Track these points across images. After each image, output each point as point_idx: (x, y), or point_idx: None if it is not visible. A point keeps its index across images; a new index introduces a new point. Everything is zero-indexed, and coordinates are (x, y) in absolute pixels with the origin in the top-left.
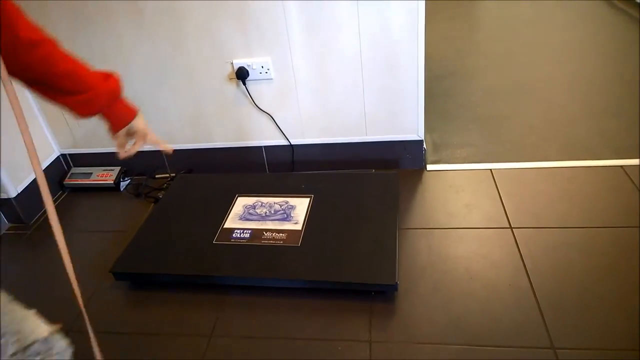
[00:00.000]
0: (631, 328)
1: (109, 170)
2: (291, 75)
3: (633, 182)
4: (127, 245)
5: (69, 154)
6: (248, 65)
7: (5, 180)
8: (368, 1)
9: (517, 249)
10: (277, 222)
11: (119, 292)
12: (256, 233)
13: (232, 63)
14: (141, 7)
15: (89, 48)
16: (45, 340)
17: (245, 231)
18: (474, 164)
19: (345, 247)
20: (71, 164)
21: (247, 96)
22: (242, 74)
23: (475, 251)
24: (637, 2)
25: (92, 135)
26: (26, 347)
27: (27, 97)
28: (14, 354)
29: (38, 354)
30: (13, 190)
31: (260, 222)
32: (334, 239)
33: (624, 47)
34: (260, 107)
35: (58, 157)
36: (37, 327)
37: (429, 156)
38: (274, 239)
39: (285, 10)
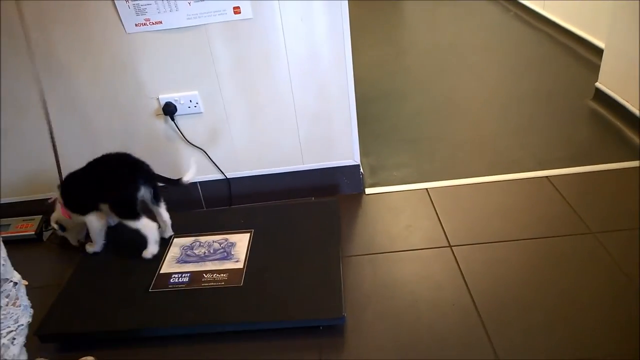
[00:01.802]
0: (572, 338)
1: (29, 220)
2: (221, 108)
3: (559, 192)
4: (53, 302)
5: None
6: (175, 100)
7: None
8: (294, 29)
9: (457, 267)
10: (217, 262)
11: (45, 356)
12: (195, 276)
13: (157, 99)
14: (52, 44)
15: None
16: (16, 285)
17: (183, 275)
18: (410, 185)
19: (289, 283)
20: None
21: (177, 132)
22: (169, 110)
23: (418, 273)
24: (548, 19)
25: (8, 183)
26: (1, 281)
27: None
28: None
29: (7, 296)
30: None
31: (200, 263)
32: (277, 275)
33: (538, 64)
34: (191, 142)
35: None
36: (12, 270)
37: (367, 179)
38: (214, 280)
39: (210, 42)
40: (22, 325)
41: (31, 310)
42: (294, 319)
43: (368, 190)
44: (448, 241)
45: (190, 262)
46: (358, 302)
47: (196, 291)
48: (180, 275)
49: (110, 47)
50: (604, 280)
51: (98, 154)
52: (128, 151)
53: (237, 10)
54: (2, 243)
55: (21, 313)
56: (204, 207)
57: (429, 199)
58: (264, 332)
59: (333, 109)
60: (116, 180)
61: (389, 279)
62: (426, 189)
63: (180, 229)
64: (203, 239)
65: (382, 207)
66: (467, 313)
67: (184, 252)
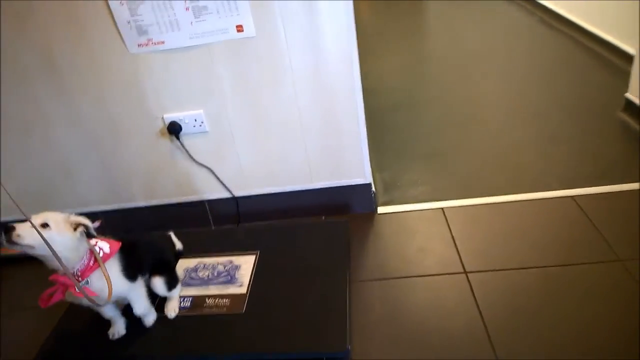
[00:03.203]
0: None
1: None
2: (227, 126)
3: (585, 213)
4: (54, 328)
5: None
6: (180, 120)
7: None
8: (299, 45)
9: (472, 296)
10: (220, 285)
11: None
12: (197, 301)
13: (162, 118)
14: (57, 66)
15: (4, 115)
16: None
17: (185, 299)
18: (425, 204)
19: (293, 311)
20: None
21: (183, 151)
22: (174, 129)
23: (431, 301)
24: (574, 23)
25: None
26: None
27: None
28: None
29: None
30: None
31: (202, 287)
32: (280, 303)
33: (563, 71)
34: (198, 161)
35: None
36: None
37: (380, 197)
38: (216, 306)
39: (214, 61)
40: None
41: None
42: (296, 350)
43: (380, 209)
44: (463, 267)
45: (193, 286)
46: (366, 328)
47: (197, 318)
48: (182, 299)
49: (114, 68)
50: (631, 315)
51: (105, 171)
52: (135, 169)
53: (240, 28)
54: None
55: None
56: (212, 225)
57: (444, 220)
58: None
59: (342, 126)
60: (165, 251)
61: (399, 306)
62: (442, 208)
63: (185, 250)
64: (208, 260)
65: (395, 227)
66: (480, 346)
67: (187, 275)
